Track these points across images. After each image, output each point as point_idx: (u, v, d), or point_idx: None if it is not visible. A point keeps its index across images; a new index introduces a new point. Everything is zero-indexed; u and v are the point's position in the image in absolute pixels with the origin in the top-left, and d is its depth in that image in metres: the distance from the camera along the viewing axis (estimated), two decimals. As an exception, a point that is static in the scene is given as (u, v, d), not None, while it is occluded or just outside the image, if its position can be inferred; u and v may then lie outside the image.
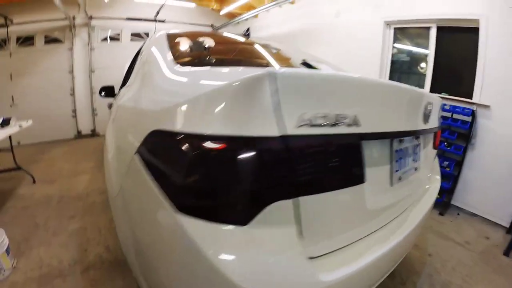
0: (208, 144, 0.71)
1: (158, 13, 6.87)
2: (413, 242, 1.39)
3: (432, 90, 3.42)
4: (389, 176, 1.14)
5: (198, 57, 1.51)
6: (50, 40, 6.30)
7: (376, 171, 1.06)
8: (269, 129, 0.69)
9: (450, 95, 3.16)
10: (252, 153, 0.69)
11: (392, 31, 3.89)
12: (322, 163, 0.80)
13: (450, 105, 3.04)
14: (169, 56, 1.31)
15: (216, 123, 0.72)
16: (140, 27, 7.10)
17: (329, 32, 4.83)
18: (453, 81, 3.29)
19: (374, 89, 0.97)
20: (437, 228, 2.66)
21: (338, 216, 0.89)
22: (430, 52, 3.44)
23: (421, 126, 1.25)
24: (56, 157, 5.09)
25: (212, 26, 8.14)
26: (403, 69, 3.95)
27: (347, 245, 0.93)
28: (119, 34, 7.00)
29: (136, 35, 7.11)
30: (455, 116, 3.03)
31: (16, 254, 2.16)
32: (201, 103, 0.79)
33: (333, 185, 0.84)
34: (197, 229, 0.71)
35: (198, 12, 7.68)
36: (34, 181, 3.80)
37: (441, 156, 3.20)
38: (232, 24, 7.39)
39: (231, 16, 7.40)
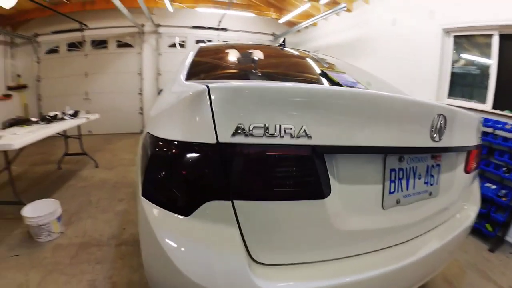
0: (162, 146, 0.87)
1: (220, 22, 7.23)
2: (417, 281, 1.15)
3: (495, 106, 2.97)
4: (380, 198, 1.00)
5: (207, 71, 1.59)
6: (122, 44, 7.07)
7: (357, 189, 0.96)
8: (207, 137, 0.76)
9: (515, 113, 2.71)
10: (191, 156, 0.80)
11: (451, 40, 3.48)
12: (261, 171, 0.80)
13: (513, 125, 2.60)
14: (185, 70, 1.43)
15: (172, 130, 0.87)
16: (204, 35, 7.55)
17: (384, 42, 4.54)
18: (519, 97, 2.82)
19: (333, 99, 0.87)
20: (481, 265, 2.24)
21: (293, 229, 0.86)
22: (493, 63, 2.99)
23: (428, 143, 1.05)
24: (120, 148, 5.65)
25: (273, 34, 8.24)
26: (465, 82, 3.48)
27: (309, 263, 0.89)
28: (184, 41, 7.52)
29: (200, 42, 7.56)
30: (519, 138, 2.57)
31: (66, 223, 2.63)
32: (166, 114, 0.98)
33: (276, 195, 0.82)
34: (151, 212, 0.86)
35: (259, 21, 7.85)
36: (96, 166, 4.34)
37: (498, 183, 2.74)
38: (291, 32, 7.38)
39: (291, 24, 7.41)
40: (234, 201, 0.79)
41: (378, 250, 1.01)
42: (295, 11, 5.98)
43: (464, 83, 3.51)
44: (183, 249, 0.80)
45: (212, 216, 0.79)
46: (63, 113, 3.84)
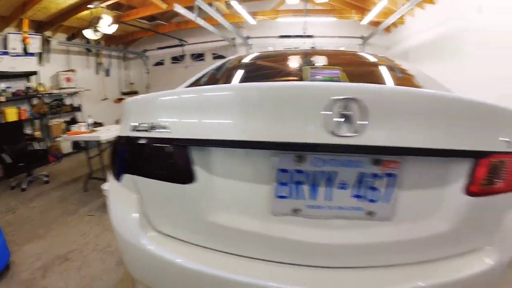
0: (117, 137, 1.19)
1: (304, 30, 7.14)
2: None
3: None
4: (270, 202, 0.94)
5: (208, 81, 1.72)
6: (217, 56, 7.89)
7: (238, 185, 0.99)
8: (125, 131, 1.08)
9: None
10: (119, 143, 1.13)
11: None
12: (140, 156, 1.05)
13: None
14: (190, 81, 1.72)
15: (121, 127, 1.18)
16: (291, 43, 7.71)
17: (478, 37, 3.78)
18: None
19: (188, 98, 1.06)
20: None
21: (170, 205, 1.05)
22: None
23: (323, 138, 0.81)
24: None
25: (362, 37, 7.78)
26: None
27: (185, 242, 1.03)
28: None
29: (289, 50, 7.87)
30: None
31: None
32: None
33: (152, 175, 1.03)
34: (110, 177, 1.23)
35: (345, 25, 7.50)
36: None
37: None
38: (378, 33, 6.85)
39: (377, 25, 6.78)
40: (136, 176, 1.06)
41: (261, 260, 0.96)
42: (374, 9, 5.49)
43: None
44: (114, 204, 1.16)
45: (128, 185, 1.08)
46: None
